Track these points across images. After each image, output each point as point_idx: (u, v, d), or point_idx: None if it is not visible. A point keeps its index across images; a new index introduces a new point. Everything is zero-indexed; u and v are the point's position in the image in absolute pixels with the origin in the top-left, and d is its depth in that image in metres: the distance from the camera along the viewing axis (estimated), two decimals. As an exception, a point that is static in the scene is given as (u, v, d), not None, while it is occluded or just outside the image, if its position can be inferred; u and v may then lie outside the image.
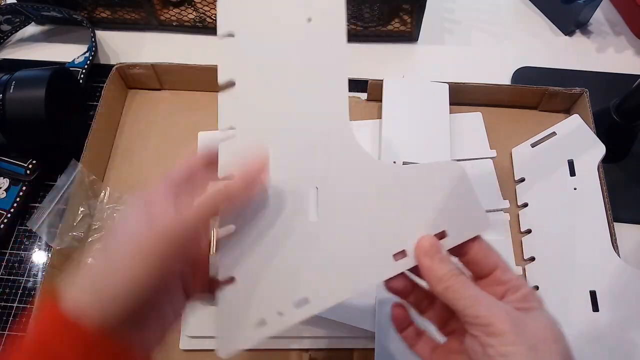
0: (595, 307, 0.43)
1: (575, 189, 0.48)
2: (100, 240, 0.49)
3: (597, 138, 0.49)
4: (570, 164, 0.49)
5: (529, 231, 0.48)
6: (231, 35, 0.30)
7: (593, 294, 0.43)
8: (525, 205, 0.50)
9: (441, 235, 0.27)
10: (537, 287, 0.46)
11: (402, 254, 0.27)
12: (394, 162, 0.49)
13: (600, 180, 0.47)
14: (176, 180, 0.27)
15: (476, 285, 0.25)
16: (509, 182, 0.52)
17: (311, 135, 0.28)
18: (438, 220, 0.27)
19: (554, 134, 0.52)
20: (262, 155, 0.27)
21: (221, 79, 0.29)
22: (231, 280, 0.28)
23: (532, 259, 0.47)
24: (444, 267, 0.25)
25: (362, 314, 0.43)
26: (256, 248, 0.28)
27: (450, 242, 0.27)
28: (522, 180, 0.51)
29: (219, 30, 0.30)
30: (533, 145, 0.52)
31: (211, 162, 0.28)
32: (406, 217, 0.27)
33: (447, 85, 0.53)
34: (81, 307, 0.22)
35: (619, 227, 0.48)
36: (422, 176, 0.28)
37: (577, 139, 0.50)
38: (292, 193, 0.28)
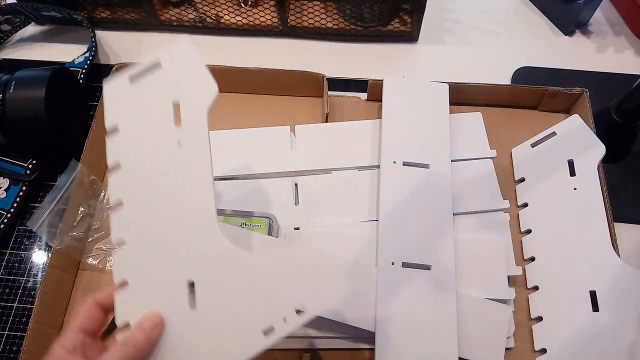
0: (595, 307, 0.43)
1: (575, 189, 0.48)
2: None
3: (597, 138, 0.49)
4: (570, 164, 0.49)
5: (529, 231, 0.49)
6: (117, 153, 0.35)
7: (593, 294, 0.43)
8: (526, 205, 0.50)
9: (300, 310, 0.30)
10: (537, 287, 0.46)
11: (270, 329, 0.30)
12: (394, 162, 0.49)
13: (600, 181, 0.47)
14: (70, 345, 0.30)
15: None
16: (509, 182, 0.52)
17: (185, 239, 0.33)
18: (298, 296, 0.31)
19: (553, 134, 0.52)
20: (157, 316, 0.31)
21: (111, 201, 0.35)
22: None
23: (532, 259, 0.47)
24: None
25: (362, 314, 0.43)
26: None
27: (308, 316, 0.30)
28: (522, 180, 0.51)
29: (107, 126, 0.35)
30: (533, 145, 0.52)
31: (103, 307, 0.33)
32: (271, 297, 0.31)
33: (447, 85, 0.53)
34: None
35: (619, 227, 0.48)
36: (278, 260, 0.32)
37: (577, 139, 0.50)
38: (172, 289, 0.32)
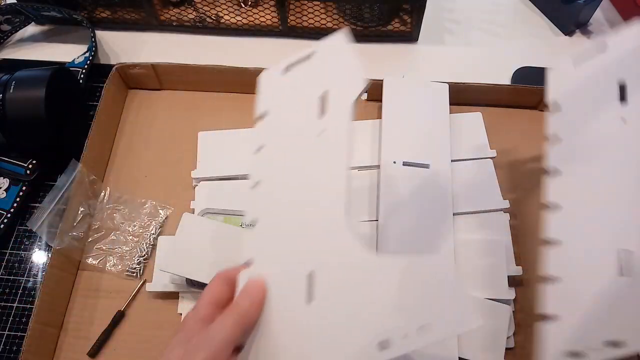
0: (621, 271, 0.34)
1: (624, 120, 0.37)
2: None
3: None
4: (622, 88, 0.38)
5: (558, 172, 0.38)
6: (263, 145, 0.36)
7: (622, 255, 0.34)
8: (558, 140, 0.39)
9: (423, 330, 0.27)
10: (559, 243, 0.36)
11: (385, 343, 0.27)
12: (394, 162, 0.49)
13: None
14: (200, 316, 0.31)
15: None
16: (514, 175, 0.52)
17: (314, 230, 0.32)
18: (424, 314, 0.27)
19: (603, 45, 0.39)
20: (260, 280, 0.32)
21: (251, 183, 0.35)
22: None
23: (558, 207, 0.37)
24: None
25: None
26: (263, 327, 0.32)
27: (432, 338, 0.27)
28: (558, 109, 0.39)
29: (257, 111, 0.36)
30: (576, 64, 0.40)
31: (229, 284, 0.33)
32: (393, 308, 0.28)
33: (447, 85, 0.53)
34: None
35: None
36: (411, 269, 0.29)
37: (631, 57, 0.38)
38: (292, 279, 0.31)
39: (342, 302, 0.29)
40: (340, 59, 0.34)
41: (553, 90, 0.40)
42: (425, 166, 0.49)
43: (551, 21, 0.66)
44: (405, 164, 0.49)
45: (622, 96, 0.37)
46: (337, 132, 0.32)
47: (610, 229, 0.35)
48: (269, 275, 0.32)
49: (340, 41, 0.35)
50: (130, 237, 0.50)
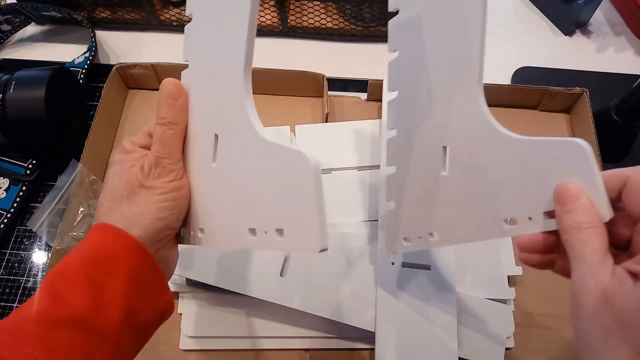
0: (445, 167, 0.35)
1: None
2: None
3: None
4: None
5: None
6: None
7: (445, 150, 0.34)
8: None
9: (551, 214, 0.27)
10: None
11: (512, 220, 0.29)
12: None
13: None
14: (137, 142, 0.33)
15: (603, 248, 0.24)
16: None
17: (444, 108, 0.32)
18: (549, 198, 0.27)
19: None
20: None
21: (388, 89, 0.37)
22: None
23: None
24: (575, 216, 0.25)
25: (362, 314, 0.43)
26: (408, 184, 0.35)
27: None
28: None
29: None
30: None
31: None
32: (525, 189, 0.28)
33: None
34: (125, 228, 0.29)
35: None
36: (546, 151, 0.28)
37: None
38: (428, 151, 0.33)
39: (474, 174, 0.30)
40: None
41: None
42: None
43: (551, 21, 0.66)
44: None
45: None
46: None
47: (436, 125, 0.34)
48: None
49: None
50: (130, 237, 0.50)
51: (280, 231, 0.27)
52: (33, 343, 0.25)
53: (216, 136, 0.31)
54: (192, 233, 0.33)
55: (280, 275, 0.44)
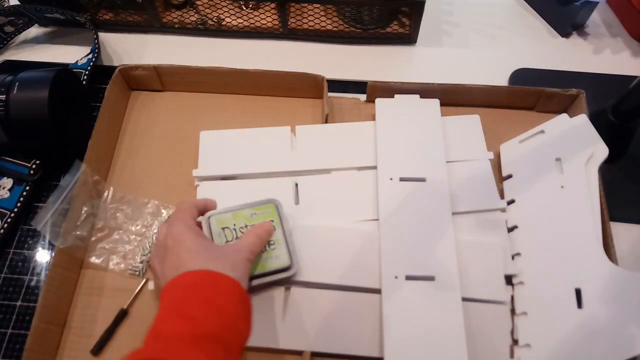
0: (580, 304, 0.42)
1: (562, 187, 0.47)
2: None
3: (600, 139, 0.48)
4: (559, 162, 0.49)
5: (515, 227, 0.48)
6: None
7: (578, 292, 0.43)
8: (512, 201, 0.49)
9: None
10: (522, 283, 0.45)
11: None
12: (391, 179, 0.49)
13: (594, 180, 0.47)
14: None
15: None
16: (497, 179, 0.52)
17: (573, 255, 0.45)
18: None
19: (542, 132, 0.51)
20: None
21: (508, 226, 0.49)
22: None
23: (518, 254, 0.47)
24: None
25: (369, 341, 0.44)
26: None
27: None
28: (509, 177, 0.51)
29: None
30: (521, 142, 0.52)
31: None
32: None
33: (437, 101, 0.54)
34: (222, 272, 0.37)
35: (616, 227, 0.49)
36: None
37: (571, 138, 0.50)
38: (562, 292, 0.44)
39: (607, 310, 0.41)
40: (573, 131, 0.49)
41: (505, 161, 0.53)
42: (422, 180, 0.49)
43: (548, 23, 0.66)
44: (402, 179, 0.49)
45: (561, 170, 0.49)
46: (576, 185, 0.46)
47: (562, 270, 0.45)
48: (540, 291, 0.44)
49: (579, 121, 0.50)
50: (133, 237, 0.51)
51: None
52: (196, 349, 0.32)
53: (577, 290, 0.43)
54: None
55: (282, 320, 0.45)
